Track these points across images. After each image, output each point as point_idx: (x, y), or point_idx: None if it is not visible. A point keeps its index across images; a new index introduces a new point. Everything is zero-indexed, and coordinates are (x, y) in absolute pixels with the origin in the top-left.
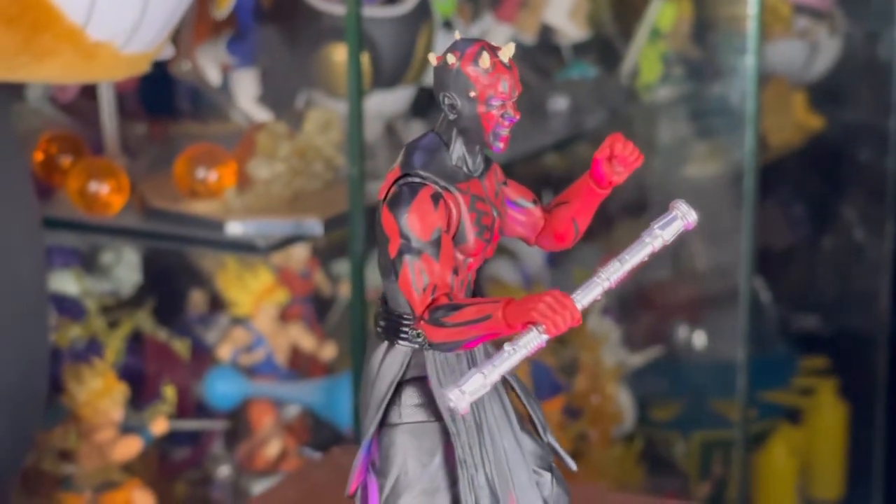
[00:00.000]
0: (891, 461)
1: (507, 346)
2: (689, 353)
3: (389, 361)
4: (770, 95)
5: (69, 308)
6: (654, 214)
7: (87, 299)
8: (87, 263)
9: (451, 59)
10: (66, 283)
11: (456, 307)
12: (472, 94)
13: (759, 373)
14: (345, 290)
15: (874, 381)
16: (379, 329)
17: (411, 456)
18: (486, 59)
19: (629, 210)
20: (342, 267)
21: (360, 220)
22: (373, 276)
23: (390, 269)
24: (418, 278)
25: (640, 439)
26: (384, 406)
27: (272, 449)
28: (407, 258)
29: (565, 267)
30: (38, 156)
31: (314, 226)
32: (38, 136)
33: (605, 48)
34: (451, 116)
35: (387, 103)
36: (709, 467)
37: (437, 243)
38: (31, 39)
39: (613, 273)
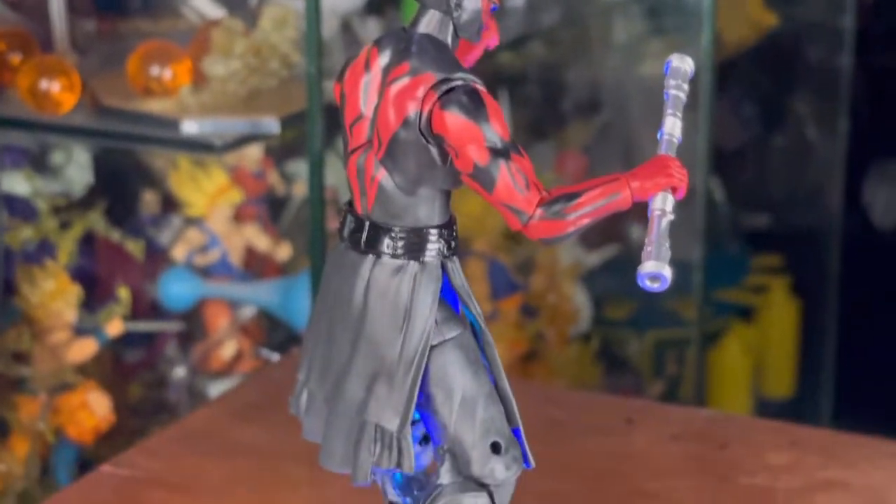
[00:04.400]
0: (841, 357)
1: (656, 215)
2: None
3: (424, 281)
4: None
5: (20, 209)
6: (608, 113)
7: (37, 200)
8: (37, 164)
9: None
10: (16, 183)
11: (573, 195)
12: None
13: (711, 271)
14: (299, 190)
15: (826, 278)
16: (399, 251)
17: (466, 368)
18: None
19: (582, 109)
20: (296, 167)
21: (318, 119)
22: (330, 175)
23: (430, 179)
24: (518, 179)
25: (597, 338)
26: (431, 328)
27: (228, 350)
28: (502, 163)
29: None
30: None
31: (271, 124)
32: None
33: None
34: (455, 14)
35: (342, 0)
36: (663, 366)
37: (514, 139)
38: None
39: (674, 128)
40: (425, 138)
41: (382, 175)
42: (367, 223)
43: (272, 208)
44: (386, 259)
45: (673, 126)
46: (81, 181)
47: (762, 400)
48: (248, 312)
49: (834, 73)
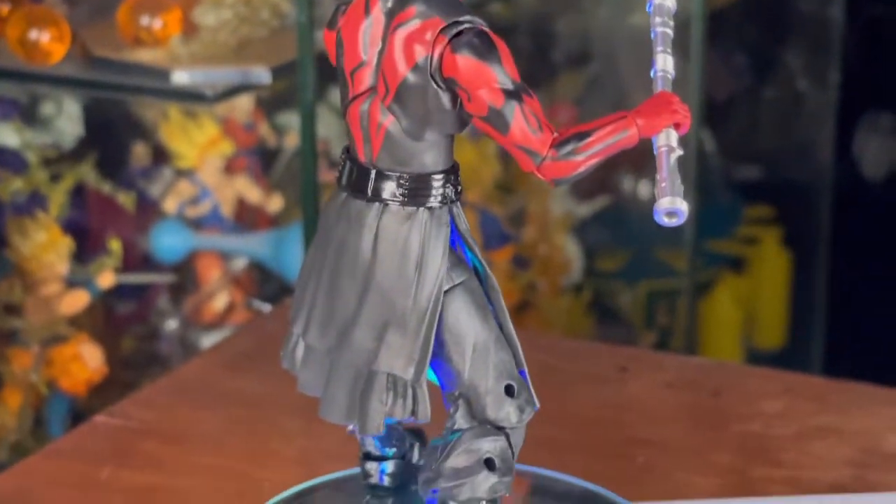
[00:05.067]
0: (832, 309)
1: (664, 151)
2: (636, 203)
3: (434, 227)
4: None
5: (10, 161)
6: (598, 65)
7: (28, 152)
8: (27, 115)
9: None
10: (6, 135)
11: (584, 135)
12: None
13: (703, 222)
14: (290, 142)
15: (817, 229)
16: (407, 197)
17: (475, 313)
18: None
19: (573, 60)
20: (286, 118)
21: (310, 69)
22: (322, 128)
23: (439, 122)
24: (531, 120)
25: (589, 290)
26: (443, 275)
27: (219, 302)
28: (515, 104)
29: None
30: None
31: (262, 74)
32: None
33: None
34: None
35: None
36: (654, 317)
37: (523, 80)
38: None
39: (667, 63)
40: (436, 83)
41: (390, 121)
42: (373, 171)
43: (263, 160)
44: (394, 207)
45: (665, 62)
46: (72, 133)
47: (753, 351)
48: (239, 264)
49: (825, 24)
